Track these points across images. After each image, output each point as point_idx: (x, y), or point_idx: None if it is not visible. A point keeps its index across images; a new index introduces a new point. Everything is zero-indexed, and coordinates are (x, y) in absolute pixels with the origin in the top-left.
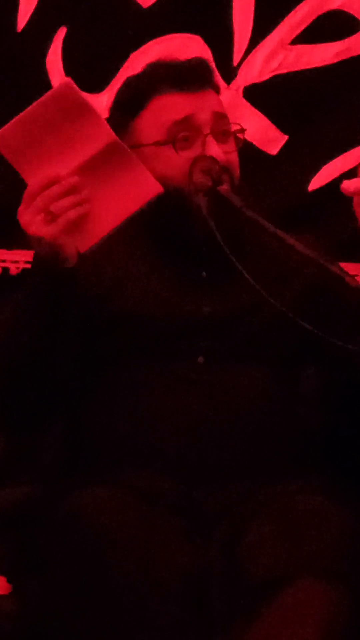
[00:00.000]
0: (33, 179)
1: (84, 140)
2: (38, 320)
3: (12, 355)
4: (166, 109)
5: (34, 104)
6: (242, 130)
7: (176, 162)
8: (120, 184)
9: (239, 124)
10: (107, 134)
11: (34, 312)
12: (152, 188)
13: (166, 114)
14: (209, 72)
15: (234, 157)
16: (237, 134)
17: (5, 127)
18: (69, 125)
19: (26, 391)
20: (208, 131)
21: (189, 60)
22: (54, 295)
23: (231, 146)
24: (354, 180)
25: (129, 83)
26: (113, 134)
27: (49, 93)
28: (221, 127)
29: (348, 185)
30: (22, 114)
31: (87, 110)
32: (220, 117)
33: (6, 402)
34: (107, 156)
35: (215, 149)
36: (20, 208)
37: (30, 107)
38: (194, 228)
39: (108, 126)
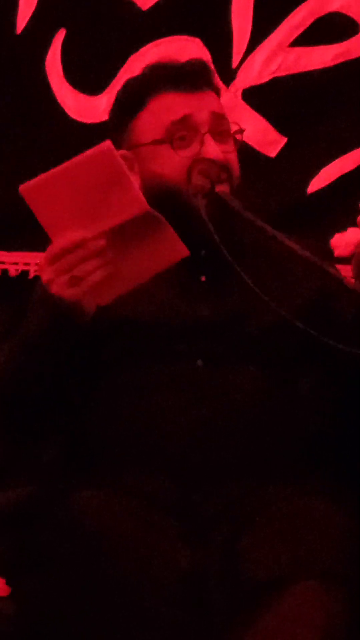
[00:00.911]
0: (58, 238)
1: (115, 206)
2: (48, 360)
3: (17, 384)
4: (164, 108)
5: (70, 161)
6: (241, 131)
7: (174, 161)
8: (147, 247)
9: (238, 124)
10: (140, 204)
11: (44, 353)
12: (179, 252)
13: (164, 114)
14: (208, 73)
15: (233, 157)
16: (236, 135)
17: (35, 179)
18: (103, 189)
19: (31, 409)
20: (206, 130)
21: (188, 62)
22: (68, 343)
23: (230, 146)
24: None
25: (128, 84)
26: (146, 204)
27: (87, 152)
28: (219, 127)
29: (337, 242)
30: (55, 169)
31: (124, 177)
32: (218, 117)
33: (9, 418)
34: (137, 223)
35: (213, 148)
36: (43, 263)
37: (65, 164)
38: (192, 231)
39: (142, 195)
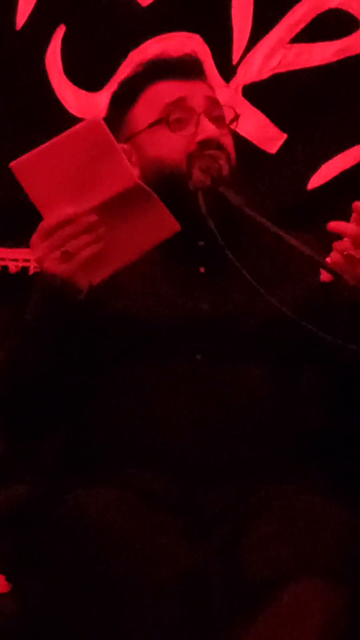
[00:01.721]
0: (50, 214)
1: (106, 179)
2: (47, 346)
3: (19, 376)
4: (159, 94)
5: (60, 136)
6: (237, 117)
7: (171, 142)
8: (138, 222)
9: (234, 110)
10: (130, 177)
11: (42, 338)
12: (170, 227)
13: (159, 99)
14: (199, 65)
15: (229, 140)
16: (232, 122)
17: (26, 156)
18: (93, 162)
19: (31, 405)
20: (201, 111)
21: (179, 55)
22: (64, 324)
23: (225, 131)
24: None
25: (122, 82)
26: (136, 177)
27: (77, 127)
28: (214, 111)
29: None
30: (45, 144)
31: (113, 150)
32: (213, 102)
33: (10, 415)
34: (127, 197)
35: (209, 127)
36: (34, 239)
37: (55, 139)
38: (191, 221)
39: (132, 169)
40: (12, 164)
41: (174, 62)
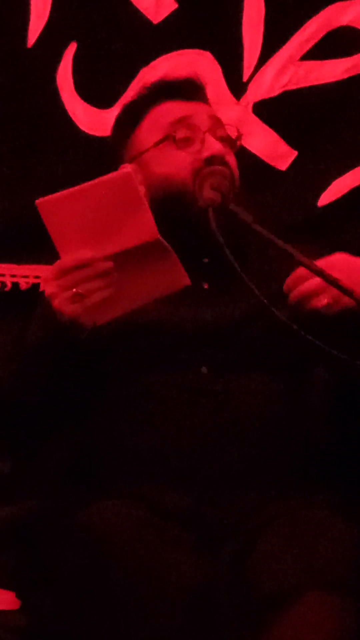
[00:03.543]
0: (67, 254)
1: (128, 230)
2: (47, 371)
3: (21, 397)
4: (163, 114)
5: (89, 182)
6: (240, 137)
7: (178, 159)
8: (151, 273)
9: (237, 129)
10: (152, 232)
11: (43, 364)
12: (181, 281)
13: (163, 118)
14: (201, 88)
15: (233, 159)
16: (236, 141)
17: (53, 195)
18: (117, 212)
19: (33, 423)
20: (206, 129)
21: (183, 76)
22: (64, 356)
23: (229, 151)
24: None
25: (126, 104)
26: (157, 232)
27: (107, 176)
28: (218, 130)
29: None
30: (74, 188)
31: (140, 203)
32: (216, 121)
33: (12, 433)
34: (145, 249)
35: (214, 144)
36: (47, 275)
37: (85, 184)
38: (197, 239)
39: (154, 224)
40: (38, 201)
41: (177, 83)
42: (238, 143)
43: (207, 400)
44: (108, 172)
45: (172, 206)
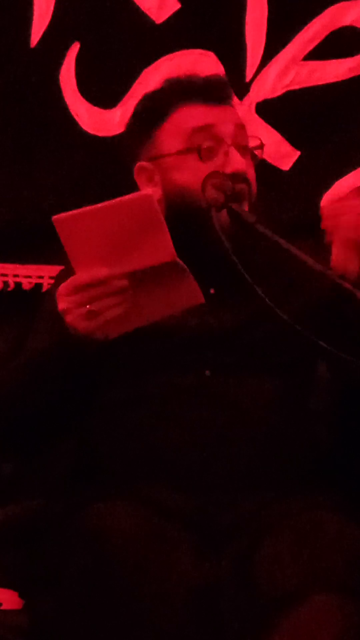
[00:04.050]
0: (82, 271)
1: (145, 250)
2: (55, 380)
3: (23, 398)
4: (187, 118)
5: (108, 202)
6: (261, 146)
7: (200, 171)
8: (166, 291)
9: (259, 139)
10: (170, 253)
11: (51, 374)
12: (195, 299)
13: (187, 123)
14: (228, 88)
15: (252, 171)
16: (255, 150)
17: (70, 213)
18: (135, 233)
19: (33, 427)
20: (230, 142)
21: (209, 76)
22: (73, 366)
23: (249, 161)
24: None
25: (148, 97)
26: (175, 253)
27: (127, 197)
28: (242, 141)
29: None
30: (92, 207)
31: (159, 225)
32: (241, 129)
33: (12, 436)
34: (161, 268)
35: (238, 159)
36: (62, 290)
37: (104, 203)
38: (205, 245)
39: (172, 245)
40: (55, 217)
41: (203, 84)
42: (259, 154)
43: (211, 403)
44: (114, 170)
45: (185, 212)
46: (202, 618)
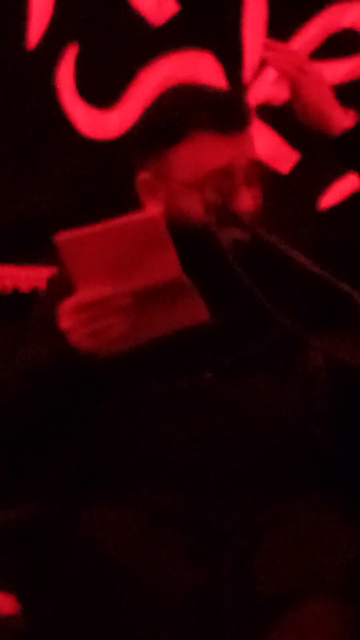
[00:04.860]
0: (86, 290)
1: (151, 269)
2: (54, 394)
3: (22, 414)
4: (206, 152)
5: (113, 222)
6: (270, 176)
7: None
8: (170, 307)
9: (268, 168)
10: (176, 272)
11: (51, 388)
12: (200, 316)
13: (205, 158)
14: (248, 108)
15: (260, 202)
16: (265, 180)
17: (73, 234)
18: (140, 252)
19: (33, 429)
20: (242, 181)
21: (230, 95)
22: (75, 383)
23: (257, 191)
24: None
25: (167, 109)
26: (181, 271)
27: (133, 217)
28: (254, 173)
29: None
30: (96, 227)
31: (166, 245)
32: (253, 164)
33: (11, 437)
34: (166, 286)
35: (247, 202)
36: (65, 308)
37: (108, 224)
38: (207, 259)
39: (179, 263)
40: (57, 239)
41: (223, 109)
42: (268, 184)
43: (211, 405)
44: (112, 171)
45: (186, 236)
46: (201, 619)
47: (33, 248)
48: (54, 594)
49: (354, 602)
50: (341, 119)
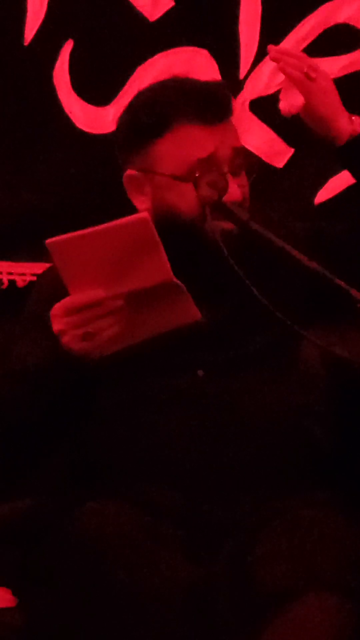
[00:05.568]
0: (77, 292)
1: (142, 271)
2: (47, 395)
3: (14, 413)
4: (189, 143)
5: (104, 225)
6: (256, 164)
7: (193, 198)
8: (161, 308)
9: (255, 156)
10: (167, 274)
11: (44, 390)
12: (191, 316)
13: (189, 148)
14: (229, 99)
15: (247, 191)
16: (251, 168)
17: (64, 237)
18: (131, 254)
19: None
20: (227, 170)
21: (210, 86)
22: (68, 383)
23: (244, 179)
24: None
25: (148, 103)
26: (172, 274)
27: (123, 220)
28: (239, 162)
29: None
30: (87, 230)
31: (156, 247)
32: (237, 153)
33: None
34: (157, 287)
35: (234, 189)
36: (57, 310)
37: (99, 227)
38: (197, 255)
39: (169, 266)
40: (48, 242)
41: (204, 98)
42: (255, 171)
43: (204, 403)
44: (107, 168)
45: (175, 231)
46: (198, 616)
47: (29, 243)
48: (50, 590)
49: (352, 599)
50: (347, 126)
